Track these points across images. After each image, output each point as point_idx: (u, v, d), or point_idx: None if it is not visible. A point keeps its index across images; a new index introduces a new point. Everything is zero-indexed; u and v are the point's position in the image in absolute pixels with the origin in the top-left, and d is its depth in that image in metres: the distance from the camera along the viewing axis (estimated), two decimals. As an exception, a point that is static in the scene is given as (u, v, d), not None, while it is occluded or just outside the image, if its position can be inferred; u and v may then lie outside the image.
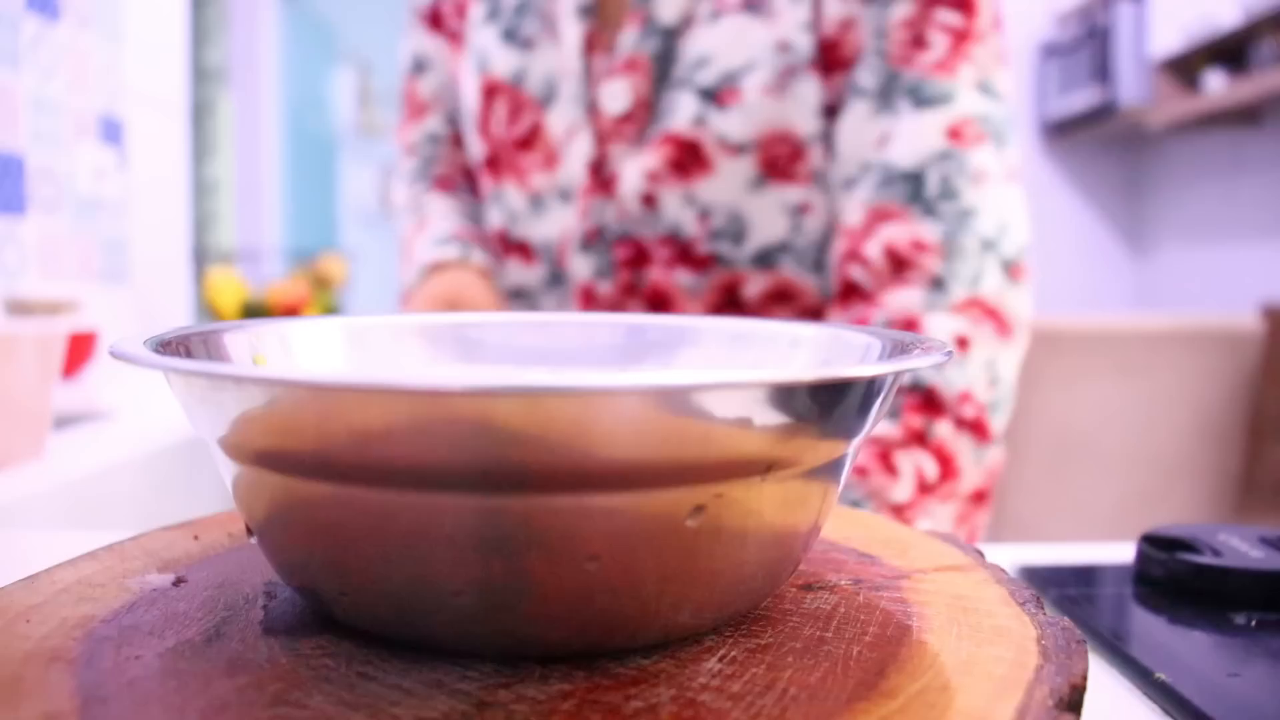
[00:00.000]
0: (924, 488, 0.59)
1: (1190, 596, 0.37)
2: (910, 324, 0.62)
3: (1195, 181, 3.01)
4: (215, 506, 0.85)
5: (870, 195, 0.65)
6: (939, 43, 0.65)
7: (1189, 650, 0.32)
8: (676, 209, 0.70)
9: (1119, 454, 1.55)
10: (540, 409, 0.20)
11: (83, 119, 1.06)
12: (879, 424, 0.59)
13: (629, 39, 0.71)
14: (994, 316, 0.62)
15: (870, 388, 0.24)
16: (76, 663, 0.24)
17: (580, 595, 0.23)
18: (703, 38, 0.69)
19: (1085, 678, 0.24)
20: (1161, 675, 0.29)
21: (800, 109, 0.67)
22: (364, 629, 0.25)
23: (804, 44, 0.67)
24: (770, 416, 0.22)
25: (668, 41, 0.70)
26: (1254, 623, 0.34)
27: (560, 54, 0.74)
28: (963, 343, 0.61)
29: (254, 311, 1.80)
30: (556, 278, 0.77)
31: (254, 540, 0.26)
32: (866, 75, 0.66)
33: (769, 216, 0.70)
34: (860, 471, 0.59)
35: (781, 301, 0.72)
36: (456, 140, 0.91)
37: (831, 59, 0.67)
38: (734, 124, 0.67)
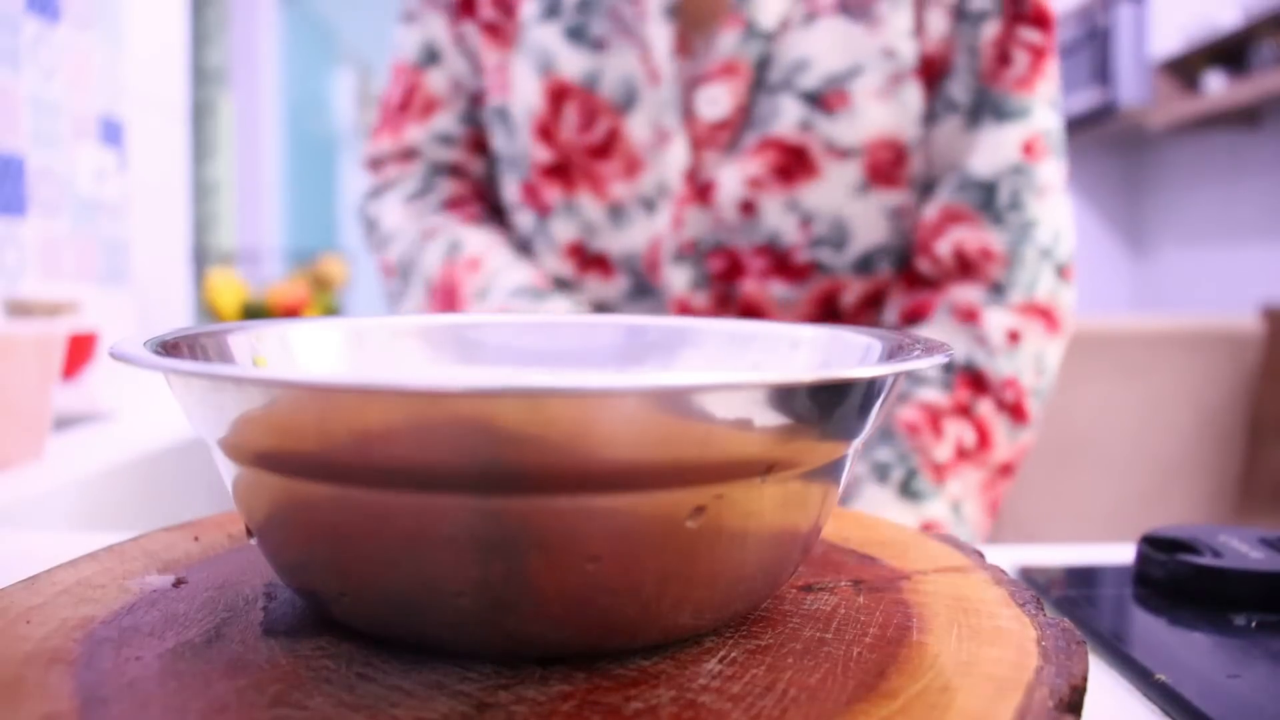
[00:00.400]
0: (962, 453, 0.66)
1: (1190, 598, 0.37)
2: (970, 314, 0.68)
3: (1195, 182, 3.02)
4: (215, 508, 0.85)
5: (947, 196, 0.70)
6: (1021, 59, 0.69)
7: (1189, 651, 0.32)
8: (777, 216, 0.70)
9: (1119, 455, 1.55)
10: (540, 410, 0.20)
11: (83, 120, 1.06)
12: (933, 390, 0.67)
13: (728, 42, 0.68)
14: (1045, 315, 0.69)
15: (870, 389, 0.24)
16: (77, 664, 0.24)
17: (580, 596, 0.23)
18: (800, 41, 0.68)
19: (1085, 679, 0.24)
20: (1162, 676, 0.29)
21: (906, 115, 0.69)
22: (364, 630, 0.25)
23: (909, 51, 0.68)
24: (770, 417, 0.22)
25: (767, 45, 0.68)
26: (1254, 624, 0.34)
27: (637, 56, 0.70)
28: (1014, 336, 0.68)
29: (254, 313, 1.80)
30: (641, 291, 0.73)
31: (254, 541, 0.26)
32: (959, 90, 0.70)
33: (871, 221, 0.71)
34: (911, 428, 0.66)
35: (876, 305, 0.74)
36: (474, 143, 0.81)
37: (931, 69, 0.70)
38: (842, 129, 0.68)
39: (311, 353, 0.35)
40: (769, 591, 0.27)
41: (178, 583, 0.30)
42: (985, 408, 0.67)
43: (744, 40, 0.68)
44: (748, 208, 0.70)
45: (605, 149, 0.71)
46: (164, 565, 0.31)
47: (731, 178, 0.69)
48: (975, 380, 0.67)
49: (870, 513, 0.60)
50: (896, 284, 0.73)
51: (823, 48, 0.68)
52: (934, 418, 0.66)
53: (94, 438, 0.79)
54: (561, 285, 0.75)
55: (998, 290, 0.69)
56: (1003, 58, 0.69)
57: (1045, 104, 0.70)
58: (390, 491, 0.22)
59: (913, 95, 0.69)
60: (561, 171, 0.73)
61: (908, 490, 0.64)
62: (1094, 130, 3.05)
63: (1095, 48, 2.87)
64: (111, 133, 1.13)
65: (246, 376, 0.22)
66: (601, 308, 0.75)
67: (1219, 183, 2.88)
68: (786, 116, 0.68)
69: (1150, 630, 0.35)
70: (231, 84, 3.54)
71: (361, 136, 4.85)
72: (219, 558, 0.32)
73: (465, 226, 0.78)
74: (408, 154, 0.82)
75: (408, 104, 0.82)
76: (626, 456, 0.21)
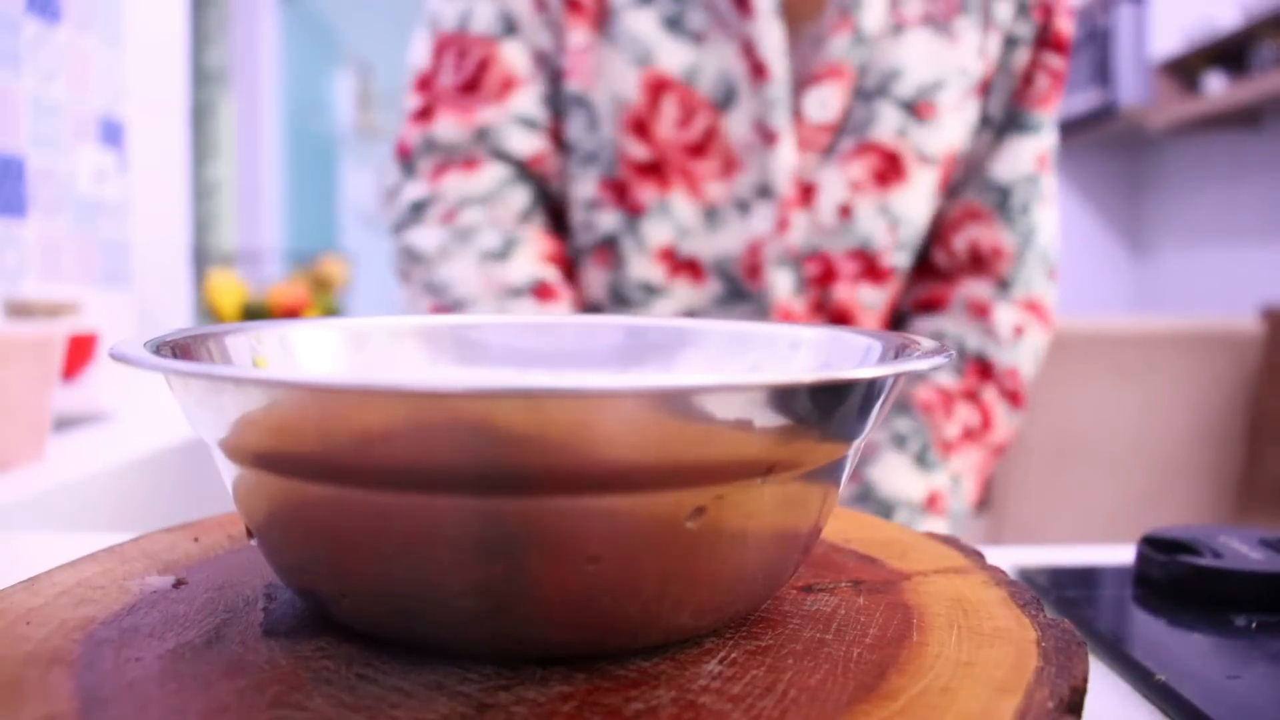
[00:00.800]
0: (967, 434, 0.73)
1: (1190, 598, 0.37)
2: (982, 309, 0.75)
3: (1195, 183, 3.02)
4: (215, 508, 0.85)
5: (968, 195, 0.76)
6: (1042, 81, 0.75)
7: (1189, 652, 0.32)
8: (869, 220, 0.71)
9: (1119, 456, 1.55)
10: (540, 411, 0.20)
11: (83, 121, 1.06)
12: (945, 374, 0.74)
13: (839, 45, 0.68)
14: (1039, 312, 0.76)
15: (870, 389, 0.24)
16: (76, 665, 0.24)
17: (580, 597, 0.23)
18: (893, 50, 0.69)
19: (1085, 680, 0.24)
20: (1162, 677, 0.29)
21: (967, 129, 0.74)
22: (364, 631, 0.25)
23: (976, 70, 0.72)
24: (770, 418, 0.22)
25: (869, 51, 0.69)
26: (1254, 625, 0.34)
27: (736, 51, 0.68)
28: (1018, 330, 0.75)
29: (254, 313, 1.80)
30: (735, 295, 0.71)
31: (254, 542, 0.26)
32: (995, 106, 0.75)
33: (928, 226, 0.76)
34: (926, 406, 0.72)
35: (930, 310, 0.79)
36: (556, 132, 0.73)
37: (985, 88, 0.74)
38: (931, 138, 0.71)
39: (311, 353, 0.35)
40: (769, 592, 0.27)
41: (178, 584, 0.30)
42: (990, 394, 0.74)
43: (853, 45, 0.69)
44: (845, 211, 0.71)
45: (702, 147, 0.69)
46: (164, 566, 0.31)
47: (833, 181, 0.70)
48: (983, 369, 0.74)
49: (887, 475, 0.68)
50: (910, 287, 0.78)
51: (913, 58, 0.70)
52: (946, 400, 0.73)
53: (94, 438, 0.79)
54: (649, 290, 0.72)
55: (1003, 286, 0.75)
56: (1028, 79, 0.74)
57: (1053, 121, 0.76)
58: (390, 492, 0.22)
59: (974, 111, 0.73)
60: (657, 169, 0.70)
61: (921, 461, 0.70)
62: (1094, 131, 3.05)
63: (1095, 48, 2.87)
64: (112, 133, 1.13)
65: (246, 377, 0.22)
66: (691, 314, 0.73)
67: (1219, 183, 2.88)
68: (885, 122, 0.70)
69: (1150, 631, 0.35)
70: (232, 85, 3.54)
71: (361, 137, 4.85)
72: (219, 559, 0.32)
73: (546, 266, 0.71)
74: (474, 135, 0.71)
75: (478, 81, 0.71)
76: (626, 457, 0.21)
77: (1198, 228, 3.00)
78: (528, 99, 0.71)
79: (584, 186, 0.72)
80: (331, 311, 2.02)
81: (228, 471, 0.25)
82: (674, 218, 0.70)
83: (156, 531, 0.35)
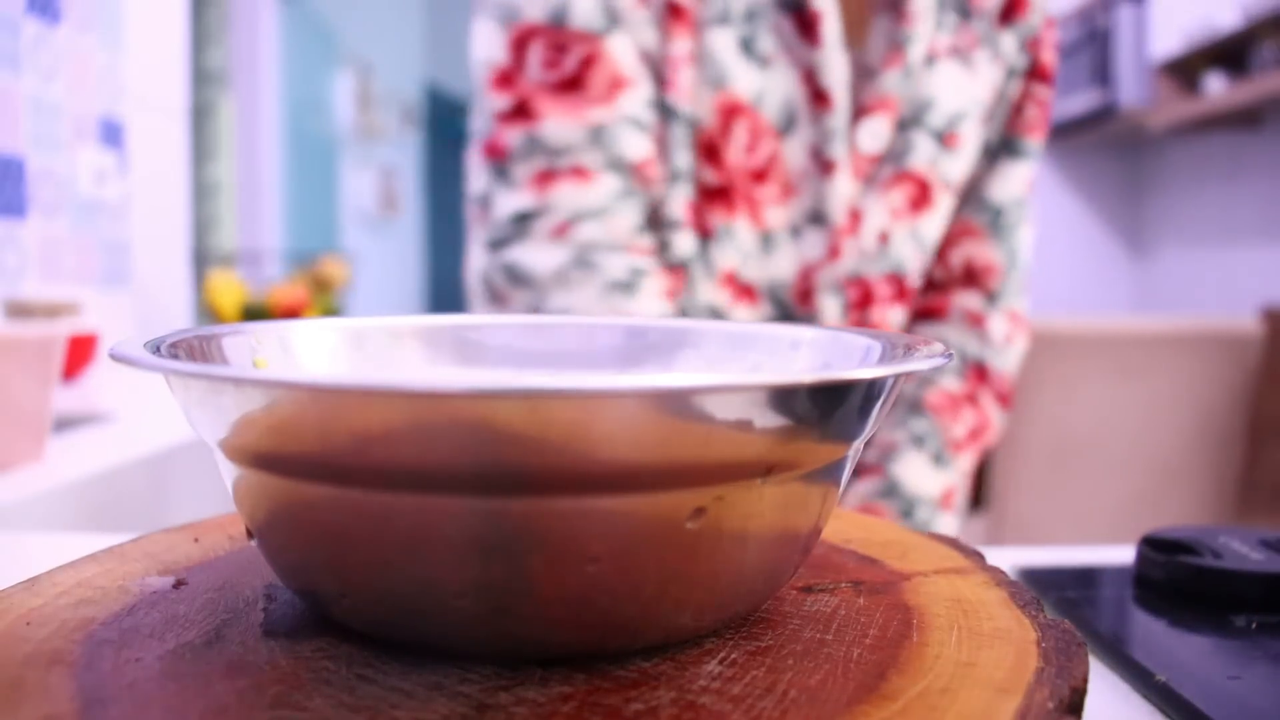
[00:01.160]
0: (972, 434, 0.78)
1: (1190, 599, 0.37)
2: (978, 319, 0.80)
3: (1195, 184, 3.02)
4: (215, 509, 0.85)
5: (965, 213, 0.80)
6: (1032, 111, 0.79)
7: (1189, 653, 0.32)
8: (902, 245, 0.75)
9: (1119, 456, 1.55)
10: (540, 411, 0.20)
11: (83, 121, 1.06)
12: (951, 378, 0.78)
13: (892, 79, 0.70)
14: (1019, 321, 0.82)
15: (870, 390, 0.24)
16: (76, 665, 0.24)
17: (580, 597, 0.23)
18: (927, 81, 0.71)
19: (1085, 680, 0.24)
20: (1162, 677, 0.29)
21: (977, 156, 0.78)
22: (364, 631, 0.25)
23: (987, 100, 0.76)
24: (770, 419, 0.22)
25: (912, 83, 0.71)
26: (1254, 625, 0.34)
27: (798, 77, 0.67)
28: (1009, 338, 0.80)
29: (254, 314, 1.80)
30: (786, 320, 0.72)
31: (254, 543, 0.26)
32: (993, 134, 0.79)
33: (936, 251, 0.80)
34: (936, 409, 0.76)
35: (935, 319, 0.83)
36: (661, 138, 0.68)
37: (988, 116, 0.78)
38: (953, 166, 0.75)
39: (311, 354, 0.35)
40: (769, 593, 0.27)
41: (178, 584, 0.30)
42: (986, 398, 0.79)
43: (903, 78, 0.70)
44: (883, 238, 0.73)
45: (765, 173, 0.68)
46: (164, 567, 0.31)
47: (876, 209, 0.72)
48: (981, 374, 0.79)
49: (909, 473, 0.74)
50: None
51: (943, 89, 0.72)
52: (953, 403, 0.77)
53: (94, 439, 0.79)
54: (716, 316, 0.71)
55: (992, 298, 0.80)
56: (1019, 108, 0.79)
57: (1040, 148, 0.80)
58: (390, 493, 0.22)
59: (981, 139, 0.77)
60: (725, 194, 0.68)
61: (938, 459, 0.75)
62: (1094, 131, 3.05)
63: (1095, 49, 2.87)
64: (112, 134, 1.13)
65: (246, 378, 0.22)
66: None
67: (1219, 184, 2.88)
68: (920, 152, 0.72)
69: (1150, 631, 0.35)
70: (232, 85, 3.54)
71: (361, 138, 4.85)
72: (219, 559, 0.32)
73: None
74: (592, 143, 0.65)
75: (582, 79, 0.64)
76: (626, 458, 0.21)
77: (1198, 228, 3.00)
78: (636, 100, 0.66)
79: (674, 206, 0.69)
80: (331, 312, 2.02)
81: (228, 472, 0.25)
82: (737, 242, 0.69)
83: (156, 532, 0.35)
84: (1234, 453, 1.58)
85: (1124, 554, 0.43)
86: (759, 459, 0.23)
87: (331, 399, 0.21)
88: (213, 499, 0.86)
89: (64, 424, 0.83)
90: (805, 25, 0.67)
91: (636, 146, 0.66)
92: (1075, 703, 0.23)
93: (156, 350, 0.27)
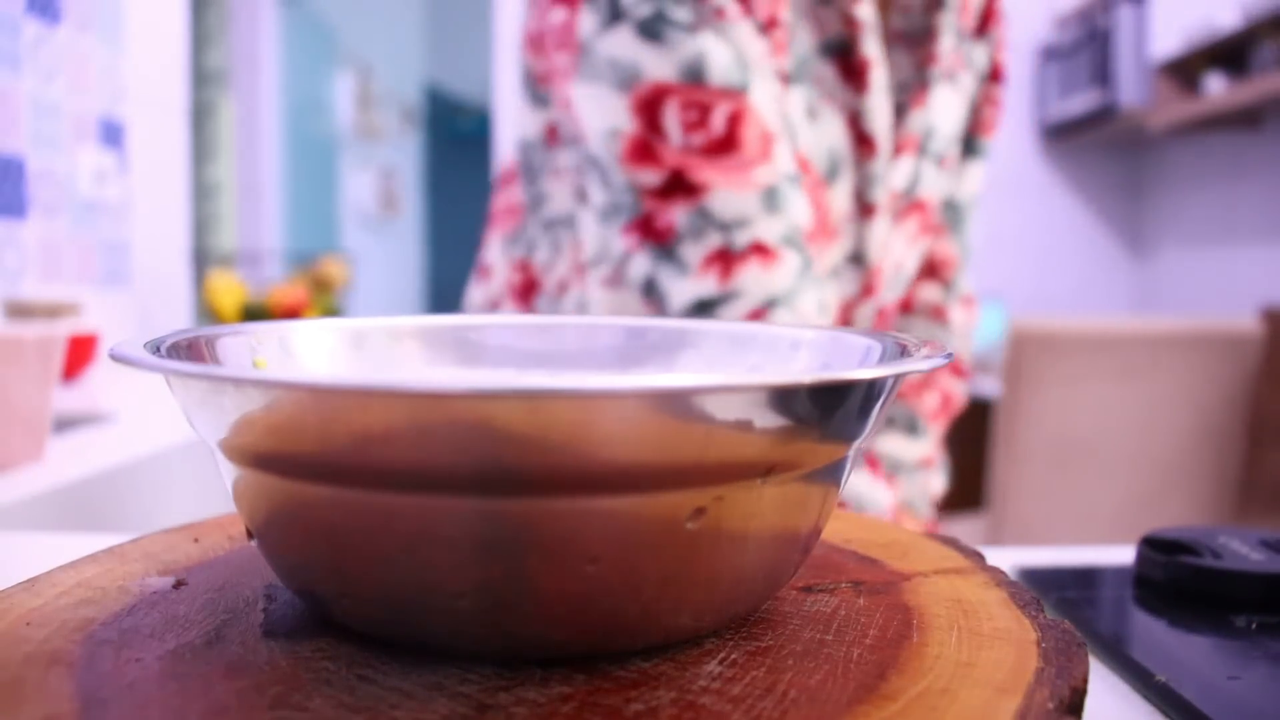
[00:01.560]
0: (943, 407, 0.82)
1: (1190, 599, 0.37)
2: (939, 312, 0.82)
3: (1195, 184, 3.02)
4: (215, 509, 0.85)
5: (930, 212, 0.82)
6: (989, 112, 0.80)
7: (1189, 653, 0.32)
8: (910, 268, 0.77)
9: (1119, 456, 1.55)
10: (540, 411, 0.20)
11: (83, 122, 1.06)
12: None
13: (918, 120, 0.70)
14: (971, 303, 0.85)
15: (870, 390, 0.24)
16: (76, 665, 0.24)
17: (580, 598, 0.23)
18: (930, 110, 0.72)
19: (1085, 680, 0.24)
20: (1162, 678, 0.29)
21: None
22: (364, 632, 0.25)
23: (966, 114, 0.77)
24: (770, 419, 0.22)
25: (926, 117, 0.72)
26: (1254, 625, 0.34)
27: (842, 124, 0.65)
28: (967, 324, 0.84)
29: (254, 314, 1.80)
30: None
31: (254, 543, 0.26)
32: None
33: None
34: (902, 394, 0.79)
35: (902, 313, 0.85)
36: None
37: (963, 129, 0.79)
38: (945, 185, 0.77)
39: (311, 354, 0.35)
40: (769, 593, 0.27)
41: (178, 584, 0.30)
42: (945, 377, 0.83)
43: (924, 114, 0.71)
44: (900, 266, 0.75)
45: (821, 228, 0.66)
46: (164, 567, 0.31)
47: (898, 241, 0.73)
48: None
49: (887, 444, 0.78)
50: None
51: (941, 115, 0.73)
52: (915, 389, 0.81)
53: (94, 439, 0.79)
54: None
55: (949, 288, 0.83)
56: (978, 110, 0.80)
57: (990, 146, 0.82)
58: (390, 493, 0.22)
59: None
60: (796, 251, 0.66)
61: (912, 429, 0.78)
62: (1094, 131, 3.05)
63: (1095, 49, 2.87)
64: (112, 134, 1.13)
65: (246, 378, 0.22)
66: None
67: (1219, 184, 2.88)
68: (927, 180, 0.73)
69: (1150, 632, 0.35)
70: (232, 85, 3.54)
71: (362, 138, 4.85)
72: (219, 559, 0.32)
73: None
74: (764, 209, 0.61)
75: (735, 140, 0.59)
76: (626, 458, 0.21)
77: (1198, 228, 3.00)
78: (788, 157, 0.61)
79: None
80: (332, 312, 2.02)
81: (228, 472, 0.25)
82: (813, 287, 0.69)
83: (156, 532, 0.35)
84: (1234, 453, 1.58)
85: (1124, 554, 0.43)
86: (759, 459, 0.23)
87: (331, 399, 0.21)
88: (213, 499, 0.86)
89: (64, 424, 0.83)
90: (852, 72, 0.65)
91: (803, 210, 0.62)
92: (1075, 703, 0.23)
93: (156, 350, 0.27)
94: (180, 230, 1.39)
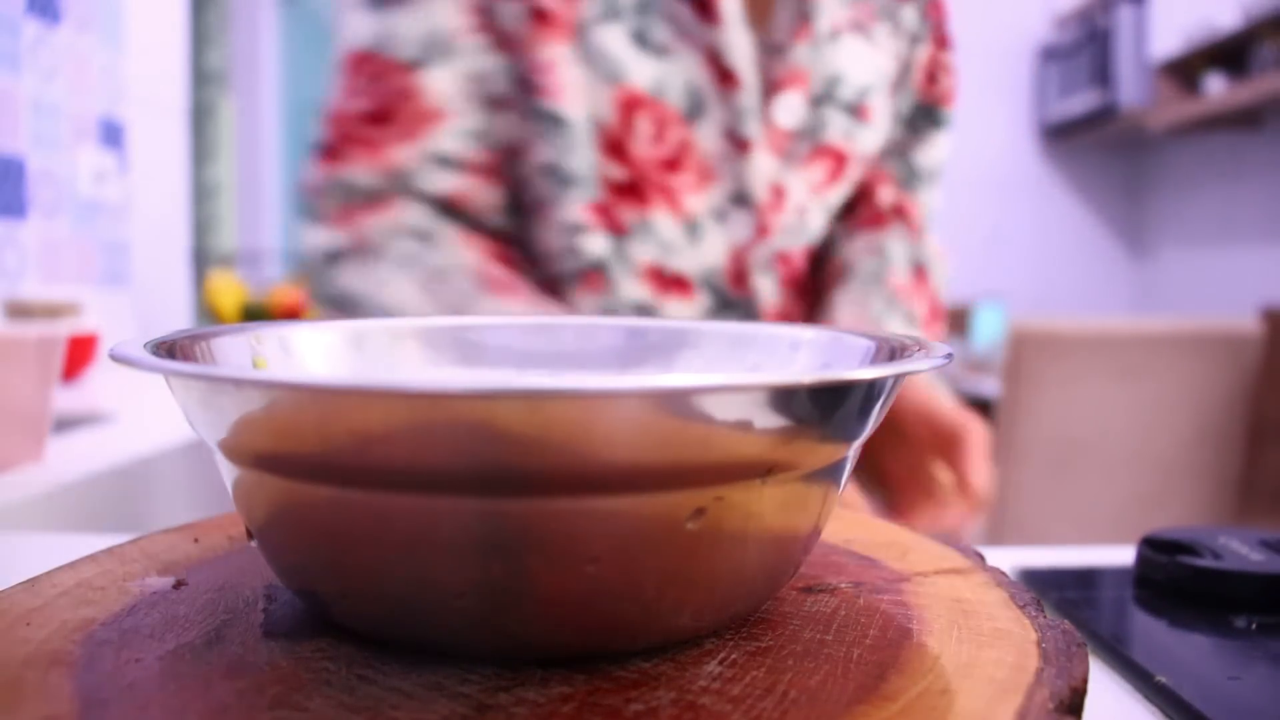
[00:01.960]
0: (930, 315, 0.79)
1: (1190, 599, 0.37)
2: (917, 231, 0.81)
3: (1195, 184, 3.02)
4: (215, 509, 0.85)
5: (888, 167, 0.81)
6: (945, 80, 0.81)
7: (1189, 653, 0.32)
8: (817, 217, 0.76)
9: (1119, 457, 1.55)
10: (540, 411, 0.20)
11: (83, 122, 1.06)
12: (901, 270, 0.77)
13: (802, 52, 0.70)
14: (943, 255, 0.83)
15: (870, 390, 0.24)
16: (76, 666, 0.24)
17: (580, 598, 0.23)
18: (833, 56, 0.72)
19: (1085, 681, 0.24)
20: (1162, 678, 0.29)
21: (887, 128, 0.78)
22: (364, 632, 0.25)
23: (890, 70, 0.77)
24: (770, 419, 0.22)
25: (819, 57, 0.71)
26: (1254, 625, 0.34)
27: (700, 61, 0.67)
28: (940, 254, 0.82)
29: (254, 314, 1.80)
30: (724, 306, 0.72)
31: (254, 543, 0.26)
32: (904, 104, 0.80)
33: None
34: (899, 290, 0.77)
35: (877, 227, 0.83)
36: (494, 169, 0.68)
37: (894, 86, 0.78)
38: (867, 139, 0.76)
39: (311, 354, 0.35)
40: (769, 593, 0.27)
41: (178, 584, 0.30)
42: (928, 290, 0.81)
43: (811, 50, 0.70)
44: (801, 212, 0.74)
45: (677, 161, 0.68)
46: (164, 567, 0.31)
47: (797, 185, 0.72)
48: (921, 275, 0.80)
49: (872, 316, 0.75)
50: (841, 224, 0.83)
51: (849, 63, 0.73)
52: (906, 292, 0.78)
53: (94, 439, 0.79)
54: (643, 311, 0.71)
55: (919, 232, 0.82)
56: (932, 78, 0.80)
57: (951, 117, 0.82)
58: (390, 493, 0.22)
59: (890, 108, 0.78)
60: (636, 189, 0.68)
61: (910, 321, 0.75)
62: (1094, 132, 3.05)
63: (1096, 49, 2.87)
64: (112, 135, 1.13)
65: (246, 378, 0.22)
66: None
67: (1219, 184, 2.88)
68: (834, 126, 0.73)
69: (1150, 632, 0.35)
70: (232, 86, 3.54)
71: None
72: (219, 559, 0.32)
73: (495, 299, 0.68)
74: (389, 177, 0.65)
75: (391, 113, 0.65)
76: (626, 458, 0.21)
77: (1198, 228, 3.00)
78: (449, 135, 0.66)
79: (567, 210, 0.69)
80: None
81: (228, 472, 0.25)
82: (657, 235, 0.69)
83: (156, 532, 0.35)
84: (1234, 453, 1.58)
85: (1124, 554, 0.43)
86: (759, 459, 0.23)
87: (331, 399, 0.21)
88: (213, 499, 0.86)
89: (64, 424, 0.83)
90: (703, 6, 0.67)
91: (444, 182, 0.66)
92: (1075, 703, 0.23)
93: (156, 350, 0.27)
94: (180, 230, 1.39)
